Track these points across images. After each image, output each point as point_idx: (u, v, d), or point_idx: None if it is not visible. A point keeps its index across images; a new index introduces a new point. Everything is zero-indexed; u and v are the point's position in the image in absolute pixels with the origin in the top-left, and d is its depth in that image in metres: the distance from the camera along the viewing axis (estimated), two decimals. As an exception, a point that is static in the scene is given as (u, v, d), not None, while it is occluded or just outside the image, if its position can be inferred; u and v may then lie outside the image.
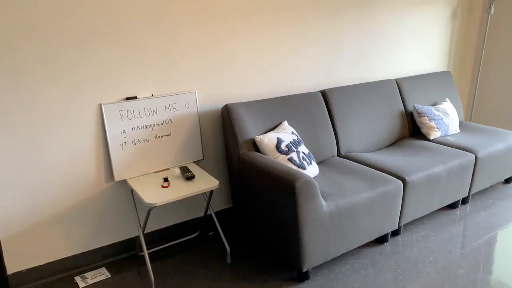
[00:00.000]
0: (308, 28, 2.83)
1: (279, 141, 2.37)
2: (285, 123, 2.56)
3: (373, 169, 2.53)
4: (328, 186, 2.29)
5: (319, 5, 2.83)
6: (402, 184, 2.41)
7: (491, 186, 3.28)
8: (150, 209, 2.16)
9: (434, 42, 3.66)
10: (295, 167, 2.31)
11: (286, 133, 2.45)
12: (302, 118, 2.69)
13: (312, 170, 2.40)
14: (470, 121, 4.11)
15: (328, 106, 2.84)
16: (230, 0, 2.44)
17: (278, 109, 2.62)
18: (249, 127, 2.45)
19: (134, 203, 2.41)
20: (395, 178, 2.42)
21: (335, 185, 2.30)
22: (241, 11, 2.50)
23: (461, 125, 3.46)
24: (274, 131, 2.48)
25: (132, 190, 2.36)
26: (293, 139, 2.44)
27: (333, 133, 2.81)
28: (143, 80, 2.27)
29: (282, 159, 2.33)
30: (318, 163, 2.69)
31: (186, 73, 2.40)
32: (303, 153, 2.42)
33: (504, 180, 3.36)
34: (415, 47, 3.53)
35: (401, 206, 2.48)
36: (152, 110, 2.30)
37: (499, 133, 3.19)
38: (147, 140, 2.32)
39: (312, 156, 2.50)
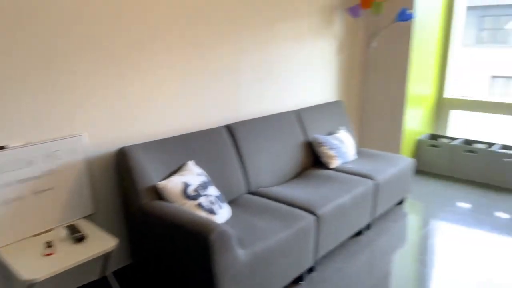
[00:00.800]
0: (205, 62, 2.69)
1: (185, 186, 2.14)
2: (190, 163, 2.34)
3: (284, 205, 2.45)
4: (242, 230, 2.12)
5: (218, 40, 2.71)
6: (314, 218, 2.36)
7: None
8: (32, 286, 1.73)
9: (326, 74, 3.82)
10: (205, 214, 2.10)
11: (193, 175, 2.24)
12: (208, 156, 2.50)
13: (223, 214, 2.21)
14: (362, 147, 4.37)
15: (235, 141, 2.71)
16: (117, 28, 2.18)
17: (181, 148, 2.40)
18: (150, 172, 2.17)
19: (8, 278, 1.93)
20: (307, 213, 2.36)
21: (249, 228, 2.14)
22: (132, 41, 2.26)
23: (356, 151, 3.63)
24: (178, 174, 2.25)
25: (4, 263, 1.89)
26: (202, 181, 2.23)
27: (241, 169, 2.68)
28: (14, 125, 1.86)
29: (190, 206, 2.10)
30: (228, 202, 2.51)
31: (69, 113, 2.05)
32: (213, 196, 2.22)
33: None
34: (311, 78, 3.64)
35: (315, 241, 2.43)
36: (27, 161, 1.89)
37: (390, 157, 3.41)
38: (22, 198, 1.89)
39: (223, 198, 2.32)
